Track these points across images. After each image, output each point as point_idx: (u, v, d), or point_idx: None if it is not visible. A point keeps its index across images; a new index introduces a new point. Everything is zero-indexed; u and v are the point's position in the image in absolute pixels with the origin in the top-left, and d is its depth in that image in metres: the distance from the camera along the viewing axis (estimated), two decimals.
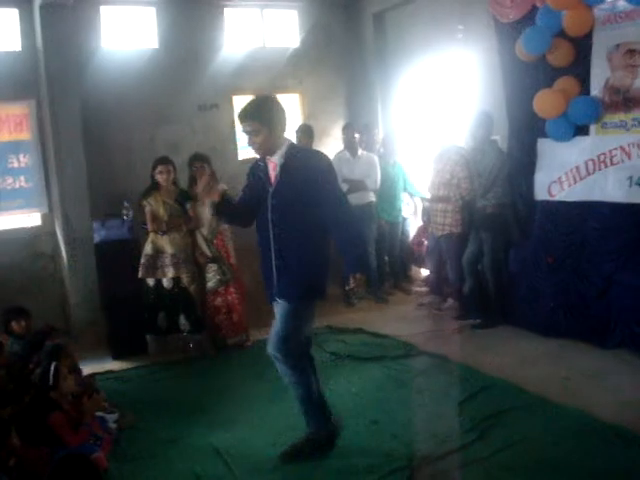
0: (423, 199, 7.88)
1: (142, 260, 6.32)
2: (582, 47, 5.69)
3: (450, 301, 7.23)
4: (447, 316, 6.94)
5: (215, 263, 6.41)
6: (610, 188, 5.59)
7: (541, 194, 6.21)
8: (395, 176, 7.91)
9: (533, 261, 6.22)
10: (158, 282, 6.34)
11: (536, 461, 3.85)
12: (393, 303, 7.74)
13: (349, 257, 3.90)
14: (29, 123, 7.25)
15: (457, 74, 7.84)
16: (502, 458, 3.90)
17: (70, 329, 7.14)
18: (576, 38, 5.66)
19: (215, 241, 6.46)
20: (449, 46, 7.63)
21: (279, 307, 3.97)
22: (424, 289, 7.94)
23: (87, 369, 5.41)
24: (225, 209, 4.06)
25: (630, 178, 5.40)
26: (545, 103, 5.81)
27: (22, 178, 7.25)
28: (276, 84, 8.59)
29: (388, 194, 7.81)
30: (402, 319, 7.05)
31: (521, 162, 6.35)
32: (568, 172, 5.93)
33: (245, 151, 7.86)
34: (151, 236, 6.35)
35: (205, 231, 6.42)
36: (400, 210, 8.06)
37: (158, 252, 6.31)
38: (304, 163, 3.88)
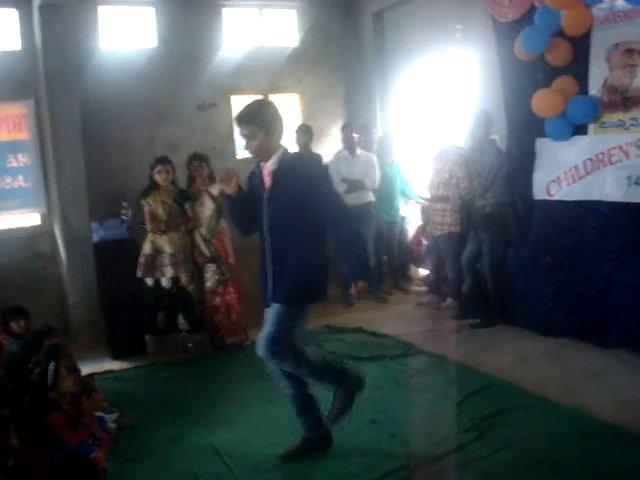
0: (419, 200, 7.88)
1: (141, 260, 6.32)
2: (581, 46, 5.69)
3: (449, 300, 7.23)
4: (446, 315, 6.94)
5: (214, 263, 6.42)
6: (609, 187, 5.59)
7: (540, 193, 6.21)
8: (393, 176, 7.91)
9: (532, 260, 6.22)
10: (157, 282, 6.35)
11: (535, 461, 3.85)
12: (392, 302, 7.74)
13: (350, 264, 3.92)
14: (28, 123, 7.25)
15: (456, 74, 7.83)
16: (501, 458, 3.91)
17: (69, 329, 7.14)
18: (575, 37, 5.65)
19: (214, 241, 6.46)
20: (448, 45, 7.63)
21: (272, 309, 3.97)
22: (423, 288, 7.94)
23: (86, 369, 5.40)
24: (238, 202, 4.04)
25: (629, 177, 5.40)
26: (544, 102, 5.81)
27: (21, 178, 7.25)
28: (275, 84, 8.60)
29: (386, 194, 7.81)
30: (401, 318, 7.05)
31: (520, 161, 6.35)
32: (567, 171, 5.93)
33: (244, 151, 7.86)
34: (150, 236, 6.35)
35: (204, 231, 6.43)
36: (398, 209, 8.05)
37: (157, 252, 6.31)
38: (298, 169, 3.88)
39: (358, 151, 7.70)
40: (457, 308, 6.94)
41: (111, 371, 6.06)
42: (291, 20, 8.86)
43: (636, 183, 5.35)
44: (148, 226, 6.34)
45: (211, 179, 6.45)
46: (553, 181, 6.06)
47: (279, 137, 3.94)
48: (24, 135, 7.26)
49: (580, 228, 5.83)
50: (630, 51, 5.36)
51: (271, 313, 3.94)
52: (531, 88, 5.97)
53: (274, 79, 8.59)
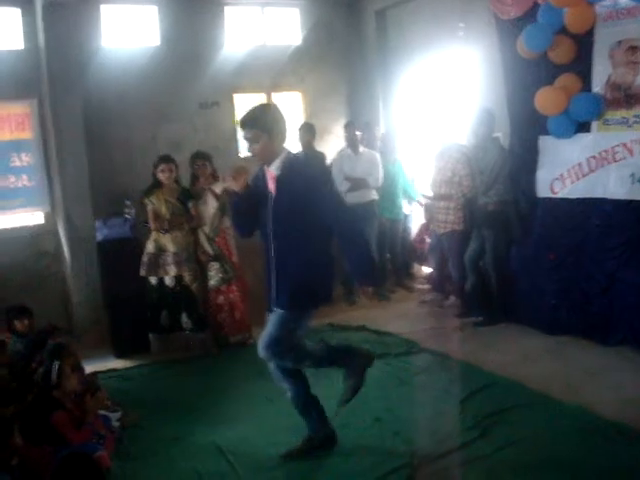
0: (420, 200, 7.89)
1: (144, 258, 6.33)
2: (584, 44, 5.68)
3: (452, 298, 7.23)
4: (449, 313, 6.95)
5: (217, 261, 6.42)
6: (612, 185, 5.58)
7: (543, 191, 6.20)
8: (395, 174, 7.91)
9: (535, 258, 6.21)
10: (160, 280, 6.35)
11: (538, 459, 3.85)
12: (395, 300, 7.74)
13: (354, 264, 3.93)
14: (31, 122, 7.26)
15: (458, 72, 7.83)
16: (504, 456, 3.91)
17: (72, 328, 7.15)
18: (578, 35, 5.64)
19: (217, 239, 6.47)
20: (450, 43, 7.62)
21: (275, 312, 3.96)
22: (426, 286, 7.94)
23: (90, 368, 5.41)
24: (244, 200, 4.04)
25: (632, 175, 5.38)
26: (547, 100, 5.80)
27: (24, 177, 7.26)
28: (277, 82, 8.59)
29: (389, 192, 7.80)
30: (404, 316, 7.06)
31: (523, 159, 6.34)
32: (570, 169, 5.92)
33: (246, 149, 7.87)
34: (153, 234, 6.36)
35: (207, 229, 6.43)
36: (401, 207, 8.06)
37: (160, 250, 6.32)
38: (300, 171, 3.88)
39: (361, 149, 7.70)
40: (460, 306, 6.94)
41: (115, 370, 6.07)
42: (293, 18, 8.85)
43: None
44: (151, 225, 6.34)
45: (214, 177, 6.45)
46: (556, 179, 6.05)
47: (282, 140, 3.94)
48: (27, 134, 7.26)
49: (583, 226, 5.82)
50: (633, 48, 5.35)
51: (274, 316, 3.94)
52: (534, 86, 5.97)
53: (277, 77, 8.58)
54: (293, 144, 7.24)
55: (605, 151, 5.61)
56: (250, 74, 8.35)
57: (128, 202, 6.73)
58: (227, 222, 6.42)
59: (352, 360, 4.07)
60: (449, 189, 6.72)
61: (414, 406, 4.76)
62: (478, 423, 4.32)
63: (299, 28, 8.87)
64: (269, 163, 3.90)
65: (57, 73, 6.91)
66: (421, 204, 7.98)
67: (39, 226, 7.46)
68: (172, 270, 6.30)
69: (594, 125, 5.72)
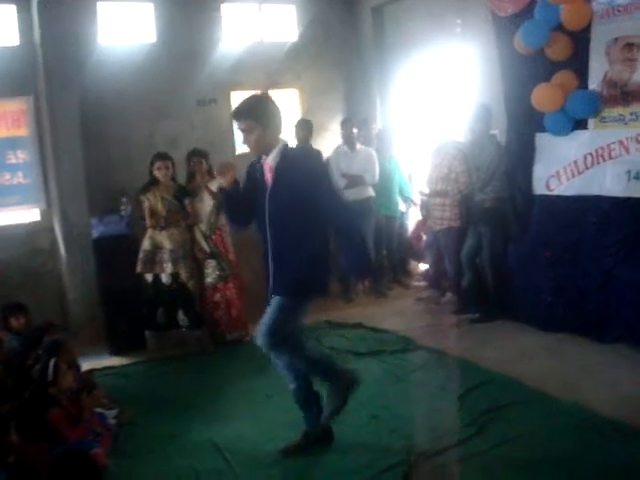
0: (416, 199, 7.90)
1: (140, 255, 6.32)
2: (580, 41, 5.68)
3: (449, 295, 7.23)
4: (446, 310, 6.94)
5: (214, 259, 6.42)
6: (609, 182, 5.58)
7: (539, 188, 6.21)
8: (391, 171, 7.91)
9: (531, 255, 6.21)
10: (156, 278, 6.35)
11: (535, 456, 3.85)
12: (392, 298, 7.74)
13: (351, 260, 3.94)
14: (27, 119, 7.23)
15: (455, 68, 7.82)
16: (501, 453, 3.91)
17: (68, 325, 7.13)
18: (574, 32, 5.65)
19: (213, 237, 6.46)
20: (447, 40, 7.62)
21: (273, 301, 3.97)
22: (423, 283, 7.95)
23: (86, 365, 5.41)
24: (234, 194, 4.05)
25: (629, 172, 5.39)
26: (543, 97, 5.80)
27: (20, 174, 7.23)
28: (274, 79, 8.57)
29: (385, 188, 7.80)
30: (401, 314, 7.06)
31: (519, 156, 6.34)
32: (566, 166, 5.92)
33: (243, 146, 7.85)
34: (149, 232, 6.35)
35: (203, 227, 6.43)
36: (397, 204, 8.05)
37: (156, 248, 6.31)
38: (298, 163, 3.88)
39: (358, 146, 7.70)
40: (457, 303, 6.95)
41: (111, 367, 6.06)
42: (290, 15, 8.83)
43: (636, 178, 5.34)
44: (148, 222, 6.33)
45: (210, 175, 6.45)
46: (553, 176, 6.06)
47: (277, 131, 3.93)
48: (23, 131, 7.23)
49: (580, 223, 5.82)
50: (630, 45, 5.35)
51: (272, 302, 3.95)
52: (531, 83, 5.96)
53: (273, 74, 8.56)
54: (289, 141, 7.21)
55: (601, 148, 5.61)
56: (247, 71, 8.33)
57: (124, 199, 6.72)
58: (223, 220, 6.40)
59: (335, 381, 4.05)
60: (445, 186, 6.73)
61: (411, 403, 4.76)
62: (475, 420, 4.31)
63: (296, 25, 8.85)
64: (266, 154, 3.90)
65: (53, 70, 6.89)
66: (416, 204, 8.00)
67: (35, 223, 7.44)
68: (168, 267, 6.29)
69: (591, 122, 5.72)
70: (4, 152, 7.15)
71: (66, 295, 7.30)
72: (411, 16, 8.36)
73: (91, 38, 7.48)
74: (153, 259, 6.30)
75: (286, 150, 3.92)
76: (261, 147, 3.90)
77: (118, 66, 7.48)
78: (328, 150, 8.07)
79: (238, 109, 3.91)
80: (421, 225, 8.07)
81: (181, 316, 6.41)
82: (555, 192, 6.06)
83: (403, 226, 8.38)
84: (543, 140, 6.13)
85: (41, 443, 3.93)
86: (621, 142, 5.45)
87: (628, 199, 5.42)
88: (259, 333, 3.92)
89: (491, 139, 6.44)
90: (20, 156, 7.22)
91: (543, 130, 6.04)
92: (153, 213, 6.32)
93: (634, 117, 5.38)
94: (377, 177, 7.60)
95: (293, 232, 3.86)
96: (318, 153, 7.77)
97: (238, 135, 7.92)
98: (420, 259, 8.33)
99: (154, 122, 7.86)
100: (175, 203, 6.36)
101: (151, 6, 7.86)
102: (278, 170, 3.86)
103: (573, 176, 5.88)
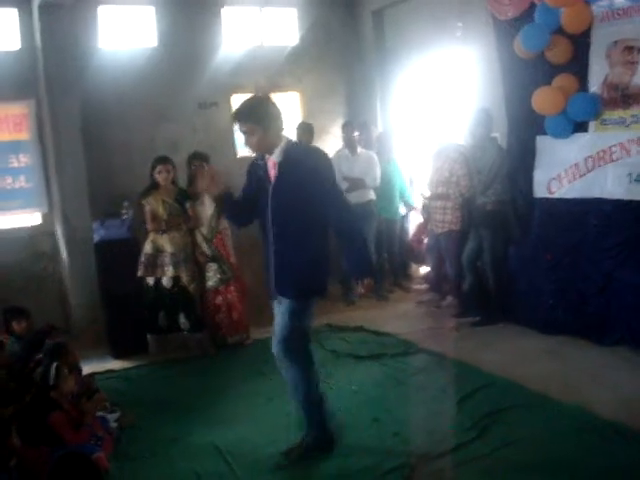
0: (417, 205, 7.90)
1: (141, 259, 6.33)
2: (580, 44, 5.69)
3: (449, 298, 7.23)
4: (446, 313, 6.94)
5: (215, 262, 6.42)
6: (610, 185, 5.59)
7: (540, 191, 6.21)
8: (392, 173, 7.91)
9: (532, 258, 6.22)
10: (158, 281, 6.35)
11: (536, 459, 3.86)
12: (393, 301, 7.74)
13: (352, 261, 3.95)
14: (28, 123, 7.24)
15: (456, 72, 7.83)
16: (502, 456, 3.91)
17: (70, 328, 7.13)
18: (574, 35, 5.66)
19: (215, 240, 6.46)
20: (448, 44, 7.62)
21: (280, 306, 3.98)
22: (424, 287, 7.94)
23: (87, 368, 5.42)
24: (226, 203, 4.07)
25: (630, 175, 5.39)
26: (544, 100, 5.81)
27: (22, 178, 7.24)
28: (275, 82, 8.58)
29: (386, 191, 7.79)
30: (402, 317, 7.06)
31: (520, 159, 6.35)
32: (567, 169, 5.93)
33: (244, 149, 7.87)
34: (151, 235, 6.36)
35: (205, 230, 6.43)
36: (398, 207, 8.05)
37: (158, 251, 6.32)
38: (303, 161, 3.88)
39: (359, 149, 7.70)
40: (458, 306, 6.95)
41: (112, 370, 6.06)
42: (291, 19, 8.85)
43: (637, 180, 5.35)
44: (149, 226, 6.34)
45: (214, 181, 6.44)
46: (554, 179, 6.06)
47: (278, 132, 3.92)
48: (25, 135, 7.25)
49: (581, 226, 5.82)
50: (630, 48, 5.37)
51: (282, 308, 3.95)
52: (531, 86, 5.97)
53: (274, 78, 8.57)
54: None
55: (602, 151, 5.62)
56: (248, 74, 8.33)
57: (126, 203, 6.73)
58: (224, 223, 6.41)
59: (316, 432, 4.07)
60: (446, 189, 6.73)
61: (412, 406, 4.75)
62: (476, 423, 4.32)
63: (297, 28, 8.87)
64: (270, 153, 3.90)
65: (54, 74, 6.90)
66: (416, 209, 8.01)
67: (37, 227, 7.45)
68: (170, 271, 6.29)
69: (591, 125, 5.73)
70: (6, 156, 7.16)
71: (68, 299, 7.31)
72: (412, 19, 8.37)
73: (92, 42, 7.50)
74: (154, 262, 6.31)
75: (290, 147, 3.92)
76: (263, 148, 3.91)
77: (119, 70, 7.50)
78: (329, 153, 8.04)
79: (239, 111, 3.91)
80: (422, 228, 8.07)
81: (182, 319, 6.42)
82: (556, 195, 6.06)
83: (404, 229, 8.38)
84: (544, 143, 6.14)
85: (42, 447, 3.92)
86: (622, 145, 5.46)
87: (629, 202, 5.42)
88: (274, 342, 3.96)
89: (492, 142, 6.45)
90: (22, 160, 7.23)
91: (544, 133, 6.05)
92: (154, 217, 6.32)
93: (635, 119, 5.38)
94: (378, 180, 7.60)
95: (296, 231, 3.86)
96: (325, 154, 7.80)
97: (239, 138, 8.06)
98: (421, 262, 8.33)
99: (155, 126, 7.87)
100: (176, 206, 6.36)
101: (152, 10, 7.88)
102: (282, 166, 3.86)
103: (574, 179, 5.89)
